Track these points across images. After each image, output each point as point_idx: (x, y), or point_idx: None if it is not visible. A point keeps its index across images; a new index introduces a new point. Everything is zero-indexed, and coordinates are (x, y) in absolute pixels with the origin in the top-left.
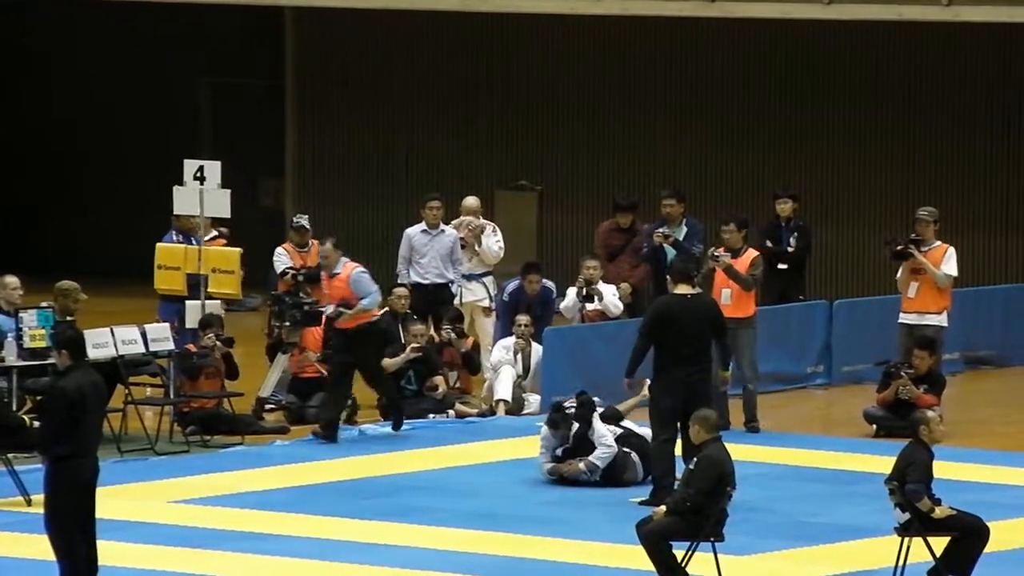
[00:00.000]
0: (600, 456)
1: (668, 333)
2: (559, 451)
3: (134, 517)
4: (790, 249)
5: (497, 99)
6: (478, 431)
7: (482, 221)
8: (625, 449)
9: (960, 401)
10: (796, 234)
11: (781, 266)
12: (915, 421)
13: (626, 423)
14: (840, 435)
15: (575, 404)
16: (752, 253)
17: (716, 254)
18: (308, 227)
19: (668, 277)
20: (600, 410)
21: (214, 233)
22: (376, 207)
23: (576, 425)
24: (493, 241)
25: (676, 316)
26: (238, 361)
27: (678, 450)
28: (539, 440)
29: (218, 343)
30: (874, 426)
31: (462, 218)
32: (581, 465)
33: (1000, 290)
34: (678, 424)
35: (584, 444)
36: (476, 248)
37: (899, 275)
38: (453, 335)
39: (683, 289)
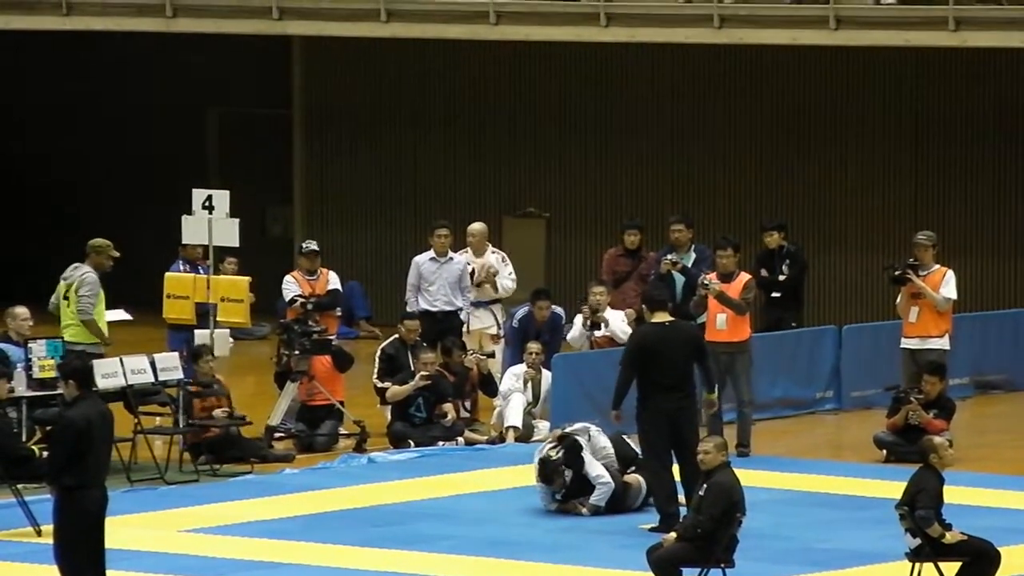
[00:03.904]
0: (600, 496)
1: (649, 362)
2: (558, 495)
3: (144, 547)
4: (783, 277)
5: (504, 126)
6: (488, 458)
7: (491, 257)
8: (626, 480)
9: (970, 426)
10: (788, 261)
11: (775, 294)
12: (925, 446)
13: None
14: (850, 460)
15: (560, 450)
16: (744, 277)
17: (706, 281)
18: (317, 249)
19: (643, 306)
20: (599, 439)
21: None
22: (384, 235)
23: (569, 472)
24: (506, 274)
25: (655, 345)
26: (248, 390)
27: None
28: (536, 491)
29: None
30: (884, 451)
31: (480, 263)
32: (584, 510)
33: (1009, 315)
34: (672, 451)
35: (582, 484)
36: (494, 291)
37: (899, 301)
38: (482, 357)
39: (660, 317)
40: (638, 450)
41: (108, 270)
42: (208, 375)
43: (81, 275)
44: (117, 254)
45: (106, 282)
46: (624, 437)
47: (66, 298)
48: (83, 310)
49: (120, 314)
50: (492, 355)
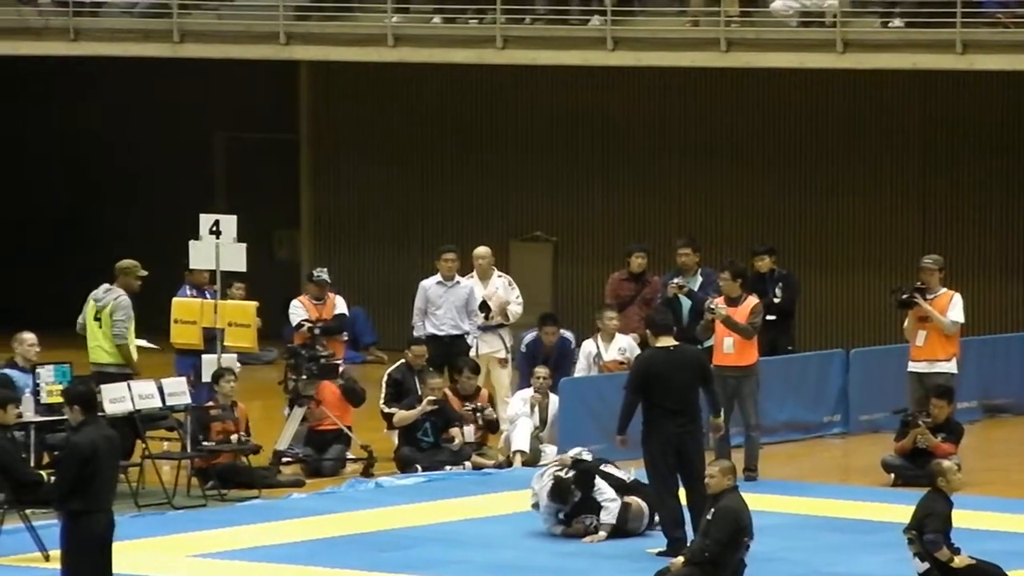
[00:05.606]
0: (611, 514)
1: (654, 387)
2: (561, 515)
3: (152, 571)
4: (776, 300)
5: (511, 150)
6: (495, 483)
7: (498, 281)
8: (627, 501)
9: (978, 449)
10: (780, 284)
11: (769, 317)
12: (933, 470)
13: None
14: (858, 484)
15: (570, 471)
16: (752, 301)
17: (712, 306)
18: (328, 280)
19: (648, 331)
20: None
21: None
22: (391, 259)
23: (578, 492)
24: (513, 299)
25: (660, 369)
26: (256, 415)
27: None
28: (540, 511)
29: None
30: (892, 475)
31: (495, 300)
32: (601, 532)
33: (1017, 338)
34: (678, 475)
35: (586, 505)
36: (502, 318)
37: (906, 324)
38: (488, 410)
39: (665, 342)
40: (621, 476)
41: (137, 291)
42: (229, 397)
43: (116, 299)
44: (145, 273)
45: (136, 306)
46: (603, 466)
47: (96, 319)
48: (119, 334)
49: (142, 343)
50: (488, 409)
